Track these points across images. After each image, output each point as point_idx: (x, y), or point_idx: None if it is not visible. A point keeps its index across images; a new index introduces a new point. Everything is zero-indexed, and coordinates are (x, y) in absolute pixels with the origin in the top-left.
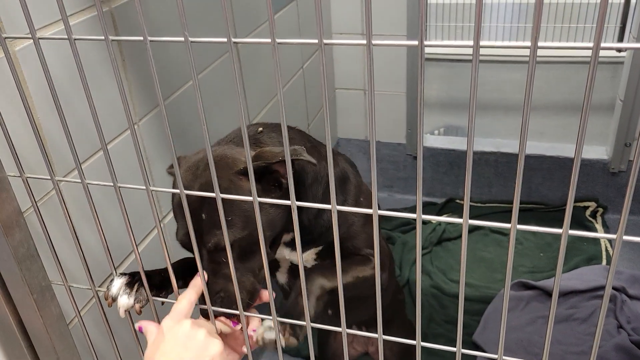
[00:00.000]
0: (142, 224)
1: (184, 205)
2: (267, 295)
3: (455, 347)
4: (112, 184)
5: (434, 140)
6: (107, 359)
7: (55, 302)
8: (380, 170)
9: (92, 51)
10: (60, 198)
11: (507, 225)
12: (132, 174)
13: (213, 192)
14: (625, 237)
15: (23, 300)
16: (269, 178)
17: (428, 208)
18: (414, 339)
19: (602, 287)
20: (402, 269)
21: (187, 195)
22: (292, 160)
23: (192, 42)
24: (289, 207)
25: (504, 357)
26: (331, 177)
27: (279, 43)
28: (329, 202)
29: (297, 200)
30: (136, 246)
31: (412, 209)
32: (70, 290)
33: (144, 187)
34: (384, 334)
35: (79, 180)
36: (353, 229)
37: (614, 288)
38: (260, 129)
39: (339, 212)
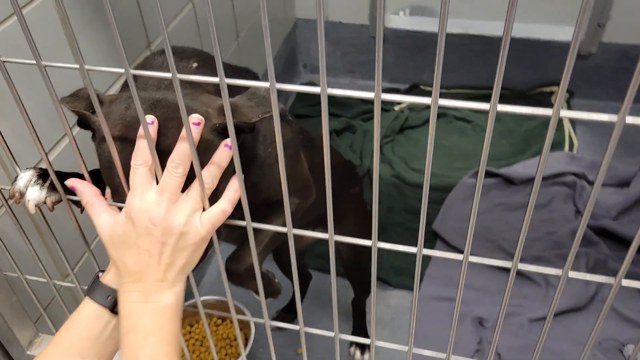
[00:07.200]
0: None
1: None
2: None
3: (415, 246)
4: (34, 61)
5: (399, 21)
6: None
7: None
8: (341, 54)
9: None
10: None
11: (486, 107)
12: (54, 51)
13: None
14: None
15: None
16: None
17: (392, 94)
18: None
19: (563, 174)
20: (362, 158)
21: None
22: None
23: None
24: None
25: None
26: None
27: None
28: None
29: (245, 162)
30: (41, 147)
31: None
32: None
33: (77, 66)
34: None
35: None
36: (266, 181)
37: (574, 174)
38: (195, 64)
39: (258, 166)
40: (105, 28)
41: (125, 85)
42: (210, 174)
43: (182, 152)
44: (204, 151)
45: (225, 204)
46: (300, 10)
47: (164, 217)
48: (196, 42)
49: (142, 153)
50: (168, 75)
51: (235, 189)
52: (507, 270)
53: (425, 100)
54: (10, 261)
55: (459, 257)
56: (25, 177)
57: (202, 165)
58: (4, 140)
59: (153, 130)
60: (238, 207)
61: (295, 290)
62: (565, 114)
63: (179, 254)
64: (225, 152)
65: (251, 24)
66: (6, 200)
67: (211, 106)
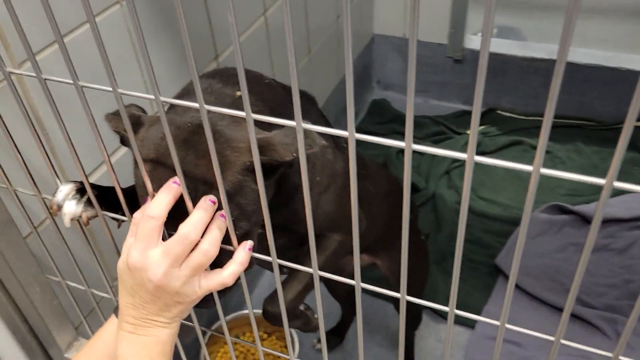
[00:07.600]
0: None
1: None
2: None
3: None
4: (71, 81)
5: (479, 42)
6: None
7: (2, 208)
8: (416, 72)
9: None
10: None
11: (529, 168)
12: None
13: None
14: None
15: None
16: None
17: (465, 117)
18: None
19: None
20: (428, 181)
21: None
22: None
23: None
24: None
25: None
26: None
27: None
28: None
29: (289, 189)
30: (78, 160)
31: (447, 117)
32: (17, 195)
33: (110, 89)
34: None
35: (33, 74)
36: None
37: None
38: (239, 93)
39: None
40: (175, 39)
41: (180, 96)
42: (211, 242)
43: (197, 221)
44: (234, 194)
45: (226, 278)
46: (378, 26)
47: (160, 279)
48: (266, 55)
49: (159, 206)
50: (196, 105)
51: (241, 262)
52: (573, 316)
53: (461, 155)
54: (52, 266)
55: (496, 323)
56: (64, 190)
57: (234, 206)
58: (46, 152)
59: (178, 191)
60: (277, 236)
61: (322, 344)
62: (618, 185)
63: (173, 306)
64: (222, 221)
65: (326, 38)
66: (50, 211)
67: (244, 141)
